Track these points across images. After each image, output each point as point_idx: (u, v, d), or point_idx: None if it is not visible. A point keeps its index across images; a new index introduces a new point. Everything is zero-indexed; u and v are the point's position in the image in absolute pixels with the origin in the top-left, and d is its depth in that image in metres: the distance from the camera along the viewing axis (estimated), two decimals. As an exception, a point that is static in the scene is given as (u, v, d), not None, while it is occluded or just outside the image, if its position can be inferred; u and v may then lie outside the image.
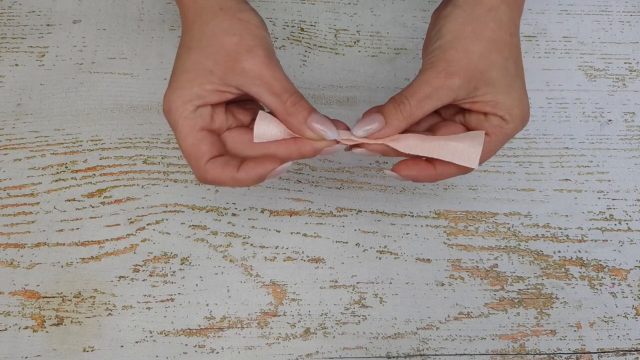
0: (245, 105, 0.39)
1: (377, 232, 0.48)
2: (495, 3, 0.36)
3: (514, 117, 0.36)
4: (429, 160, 0.37)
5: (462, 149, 0.36)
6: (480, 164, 0.37)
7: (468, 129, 0.38)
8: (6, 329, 0.43)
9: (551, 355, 0.44)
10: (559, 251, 0.48)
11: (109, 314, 0.44)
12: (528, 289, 0.46)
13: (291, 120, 0.35)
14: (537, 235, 0.48)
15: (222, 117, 0.36)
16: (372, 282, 0.46)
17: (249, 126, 0.38)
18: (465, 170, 0.37)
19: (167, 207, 0.48)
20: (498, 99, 0.36)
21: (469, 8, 0.36)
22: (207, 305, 0.45)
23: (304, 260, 0.46)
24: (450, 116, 0.39)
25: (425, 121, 0.39)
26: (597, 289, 0.46)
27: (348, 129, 0.37)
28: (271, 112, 0.36)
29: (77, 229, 0.47)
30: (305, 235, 0.47)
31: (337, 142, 0.36)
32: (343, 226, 0.48)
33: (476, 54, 0.35)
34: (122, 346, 0.43)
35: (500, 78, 0.36)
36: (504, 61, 0.36)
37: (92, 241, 0.47)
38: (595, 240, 0.48)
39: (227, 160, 0.35)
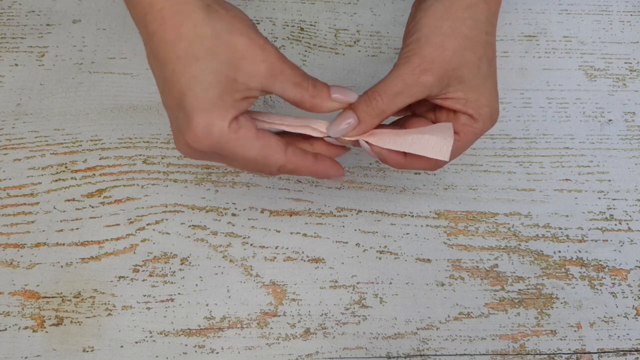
0: None
1: (377, 232, 0.48)
2: (474, 0, 0.36)
3: (482, 115, 0.37)
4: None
5: (434, 142, 0.36)
6: (449, 160, 0.37)
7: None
8: (6, 329, 0.43)
9: (551, 356, 0.44)
10: (559, 251, 0.48)
11: (109, 314, 0.44)
12: (528, 289, 0.46)
13: (317, 102, 0.35)
14: (537, 235, 0.48)
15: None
16: (372, 282, 0.46)
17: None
18: (435, 164, 0.38)
19: (167, 207, 0.48)
20: (468, 97, 0.36)
21: (448, 3, 0.36)
22: (207, 305, 0.45)
23: (304, 261, 0.46)
24: (423, 112, 0.39)
25: (396, 115, 0.39)
26: (597, 289, 0.46)
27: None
28: (294, 103, 0.36)
29: (77, 229, 0.47)
30: (305, 235, 0.47)
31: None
32: (343, 226, 0.48)
33: (450, 51, 0.35)
34: (121, 346, 0.43)
35: (471, 76, 0.36)
36: (477, 60, 0.36)
37: (91, 241, 0.46)
38: (596, 240, 0.48)
39: (302, 150, 0.36)
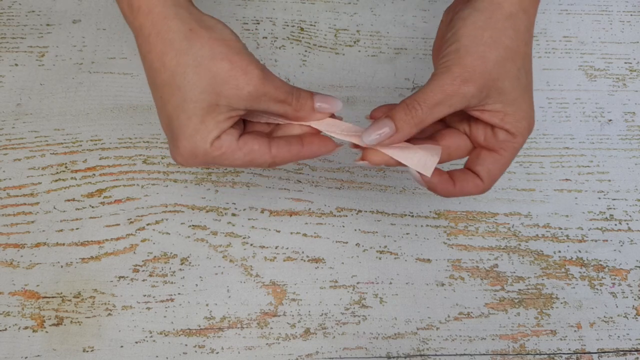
0: None
1: (377, 232, 0.48)
2: (514, 10, 0.35)
3: (521, 129, 0.36)
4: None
5: (421, 155, 0.36)
6: (496, 180, 0.37)
7: (474, 141, 0.38)
8: (6, 329, 0.43)
9: (551, 356, 0.44)
10: (559, 251, 0.48)
11: (109, 314, 0.44)
12: (528, 289, 0.46)
13: (301, 115, 0.36)
14: (537, 235, 0.48)
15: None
16: (372, 282, 0.46)
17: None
18: (483, 189, 0.37)
19: (166, 207, 0.48)
20: (507, 110, 0.35)
21: (488, 13, 0.35)
22: (207, 305, 0.45)
23: (304, 261, 0.46)
24: (456, 123, 0.39)
25: (429, 127, 0.39)
26: (597, 289, 0.46)
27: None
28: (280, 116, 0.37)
29: (77, 229, 0.47)
30: (305, 235, 0.47)
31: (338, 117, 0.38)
32: (343, 226, 0.48)
33: (492, 62, 0.34)
34: (121, 346, 0.43)
35: (511, 88, 0.35)
36: (517, 71, 0.35)
37: (91, 241, 0.46)
38: (596, 240, 0.48)
39: (286, 139, 0.36)
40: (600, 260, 0.47)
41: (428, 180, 0.37)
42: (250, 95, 0.34)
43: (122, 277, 0.45)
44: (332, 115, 0.38)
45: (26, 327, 0.44)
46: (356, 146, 0.37)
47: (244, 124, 0.38)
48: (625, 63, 0.56)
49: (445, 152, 0.37)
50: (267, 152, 0.36)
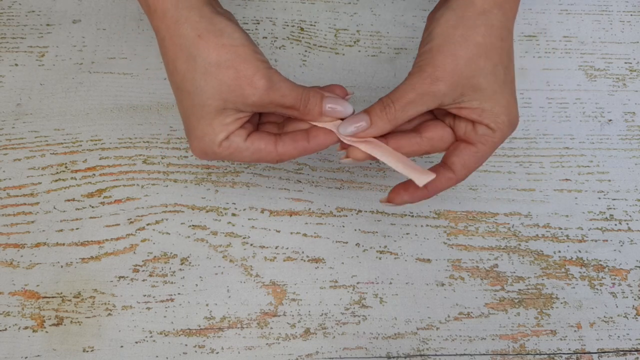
0: None
1: (377, 232, 0.48)
2: (487, 6, 0.35)
3: (500, 124, 0.36)
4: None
5: (418, 170, 0.36)
6: (470, 172, 0.38)
7: (456, 134, 0.38)
8: (6, 329, 0.43)
9: (551, 356, 0.44)
10: (559, 251, 0.48)
11: (109, 314, 0.44)
12: (528, 289, 0.46)
13: (308, 118, 0.37)
14: (537, 235, 0.48)
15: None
16: (372, 282, 0.46)
17: None
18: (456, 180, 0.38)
19: (166, 207, 0.48)
20: (484, 106, 0.36)
21: (460, 11, 0.35)
22: (207, 305, 0.45)
23: (304, 260, 0.46)
24: (441, 115, 0.39)
25: (415, 119, 0.39)
26: (597, 289, 0.46)
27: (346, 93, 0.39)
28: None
29: (77, 229, 0.47)
30: (305, 235, 0.47)
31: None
32: (343, 226, 0.48)
33: (463, 59, 0.35)
34: (121, 346, 0.43)
35: (487, 84, 0.35)
36: (492, 67, 0.35)
37: (91, 241, 0.46)
38: (596, 240, 0.48)
39: (292, 136, 0.37)
40: (600, 260, 0.47)
41: (400, 201, 0.38)
42: (256, 102, 0.35)
43: (122, 277, 0.45)
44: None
45: (26, 327, 0.44)
46: (343, 147, 0.38)
47: (259, 115, 0.39)
48: (625, 63, 0.56)
49: (428, 143, 0.38)
50: (273, 150, 0.37)
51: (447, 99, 0.35)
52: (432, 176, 0.36)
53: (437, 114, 0.40)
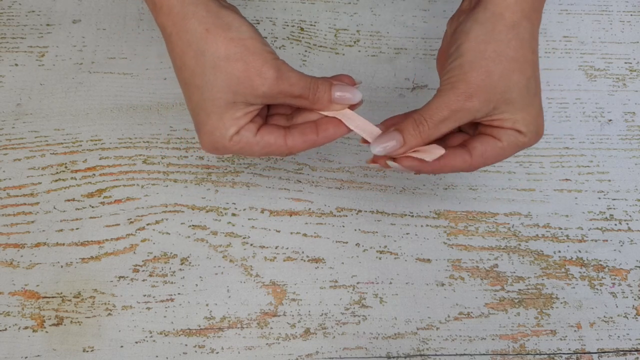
0: None
1: (377, 232, 0.48)
2: (517, 19, 0.35)
3: (529, 131, 0.36)
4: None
5: (427, 148, 0.37)
6: (485, 164, 0.37)
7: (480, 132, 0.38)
8: (6, 329, 0.43)
9: (551, 356, 0.44)
10: (559, 251, 0.48)
11: (109, 314, 0.44)
12: (528, 289, 0.46)
13: (318, 107, 0.37)
14: (537, 235, 0.48)
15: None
16: (372, 282, 0.46)
17: None
18: (471, 165, 0.37)
19: (167, 207, 0.48)
20: (516, 117, 0.36)
21: (490, 25, 0.35)
22: (207, 305, 0.45)
23: (304, 260, 0.46)
24: (464, 126, 0.39)
25: None
26: (597, 289, 0.46)
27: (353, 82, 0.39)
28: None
29: (77, 229, 0.47)
30: (305, 235, 0.47)
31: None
32: (343, 226, 0.48)
33: (497, 75, 0.34)
34: (121, 346, 0.43)
35: (520, 98, 0.35)
36: (526, 81, 0.35)
37: (91, 241, 0.46)
38: (596, 240, 0.48)
39: (301, 129, 0.37)
40: (600, 260, 0.47)
41: (409, 165, 0.37)
42: (265, 93, 0.35)
43: (122, 277, 0.45)
44: (352, 106, 0.38)
45: (26, 327, 0.44)
46: (365, 142, 0.38)
47: (267, 107, 0.39)
48: (625, 63, 0.56)
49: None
50: (282, 144, 0.37)
51: (479, 114, 0.35)
52: (441, 151, 0.36)
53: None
